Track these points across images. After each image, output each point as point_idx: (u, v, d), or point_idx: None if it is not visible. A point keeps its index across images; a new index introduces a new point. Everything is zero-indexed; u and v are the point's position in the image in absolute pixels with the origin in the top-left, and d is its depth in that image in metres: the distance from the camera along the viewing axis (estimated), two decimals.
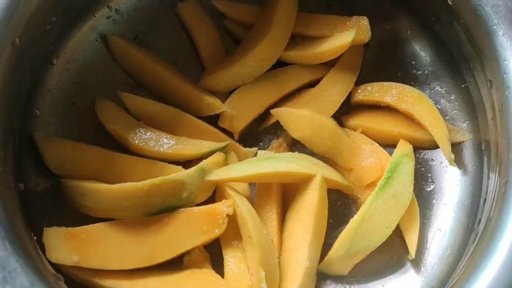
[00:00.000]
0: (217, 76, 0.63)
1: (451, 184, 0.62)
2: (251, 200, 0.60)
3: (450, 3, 0.57)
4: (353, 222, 0.57)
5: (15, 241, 0.42)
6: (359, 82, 0.65)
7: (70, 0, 0.57)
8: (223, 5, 0.67)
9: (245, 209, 0.55)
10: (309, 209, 0.56)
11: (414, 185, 0.59)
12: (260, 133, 0.65)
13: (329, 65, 0.65)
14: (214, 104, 0.63)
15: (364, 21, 0.63)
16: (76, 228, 0.54)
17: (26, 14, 0.49)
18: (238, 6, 0.67)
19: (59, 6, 0.55)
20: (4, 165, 0.47)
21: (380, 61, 0.67)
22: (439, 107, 0.64)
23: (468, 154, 0.63)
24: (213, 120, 0.64)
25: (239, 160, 0.62)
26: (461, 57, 0.62)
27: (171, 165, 0.59)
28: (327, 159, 0.62)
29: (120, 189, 0.54)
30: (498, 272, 0.47)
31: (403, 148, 0.61)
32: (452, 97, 0.65)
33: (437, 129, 0.61)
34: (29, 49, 0.52)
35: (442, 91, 0.65)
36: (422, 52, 0.67)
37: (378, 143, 0.63)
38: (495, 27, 0.52)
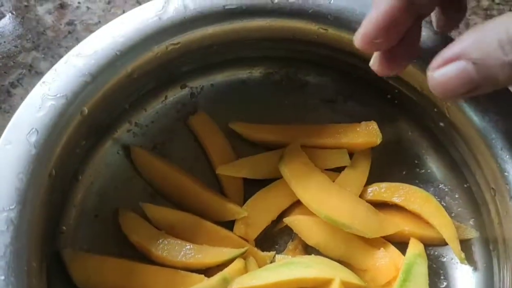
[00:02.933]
0: None
1: (464, 280, 0.64)
2: None
3: (447, 115, 0.60)
4: None
5: None
6: (366, 182, 0.68)
7: (97, 121, 0.61)
8: (240, 127, 0.70)
9: None
10: None
11: (428, 283, 0.61)
12: (275, 235, 0.68)
13: (338, 171, 0.68)
14: (234, 210, 0.66)
15: (373, 126, 0.67)
16: None
17: (61, 146, 0.53)
18: (255, 127, 0.70)
19: (90, 130, 0.59)
20: (41, 280, 0.49)
21: (385, 161, 0.70)
22: (445, 204, 0.67)
23: (477, 250, 0.64)
24: (229, 225, 0.66)
25: (258, 265, 0.64)
26: (462, 163, 0.64)
27: (193, 274, 0.61)
28: (341, 260, 0.64)
29: None
30: None
31: (415, 248, 0.63)
32: (456, 195, 0.67)
33: (446, 229, 0.63)
34: (61, 174, 0.55)
35: (446, 189, 0.68)
36: (424, 152, 0.70)
37: (389, 241, 0.65)
38: (493, 141, 0.54)
